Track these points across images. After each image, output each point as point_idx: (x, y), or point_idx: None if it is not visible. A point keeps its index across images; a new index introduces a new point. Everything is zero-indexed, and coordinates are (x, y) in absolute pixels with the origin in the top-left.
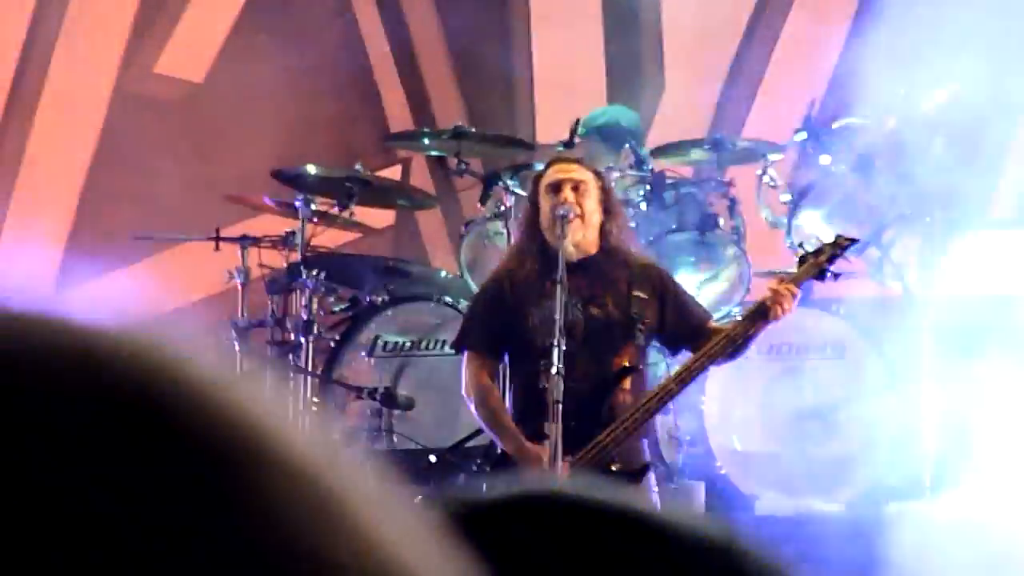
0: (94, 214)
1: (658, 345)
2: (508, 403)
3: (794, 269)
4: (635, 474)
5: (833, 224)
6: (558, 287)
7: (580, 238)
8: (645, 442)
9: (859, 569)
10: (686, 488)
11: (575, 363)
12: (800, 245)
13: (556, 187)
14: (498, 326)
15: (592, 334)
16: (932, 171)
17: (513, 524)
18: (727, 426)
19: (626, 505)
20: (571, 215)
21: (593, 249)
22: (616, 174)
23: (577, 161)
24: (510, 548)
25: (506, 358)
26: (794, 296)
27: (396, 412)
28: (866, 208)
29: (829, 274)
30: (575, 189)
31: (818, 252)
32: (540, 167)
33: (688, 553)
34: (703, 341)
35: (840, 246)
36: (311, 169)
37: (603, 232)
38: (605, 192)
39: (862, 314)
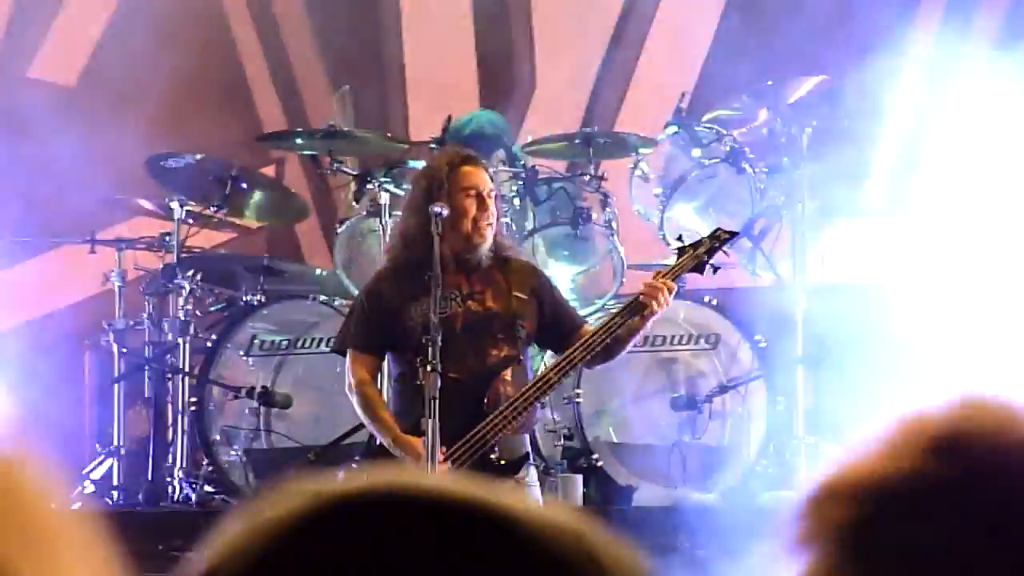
0: None
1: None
2: (390, 399)
3: (672, 261)
4: (514, 464)
5: (705, 216)
6: (432, 284)
7: (487, 241)
8: (526, 436)
9: (734, 559)
10: (564, 481)
11: (454, 356)
12: (679, 238)
13: (480, 194)
14: (377, 324)
15: (471, 326)
16: (802, 161)
17: (361, 517)
18: (603, 418)
19: (474, 498)
20: (491, 222)
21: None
22: (490, 169)
23: (483, 165)
24: (358, 541)
25: (388, 356)
26: (669, 291)
27: (274, 411)
28: (737, 199)
29: (708, 267)
30: (490, 195)
31: (697, 244)
32: (413, 164)
33: (537, 546)
34: (575, 343)
35: (719, 239)
36: (192, 158)
37: None
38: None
39: (734, 305)
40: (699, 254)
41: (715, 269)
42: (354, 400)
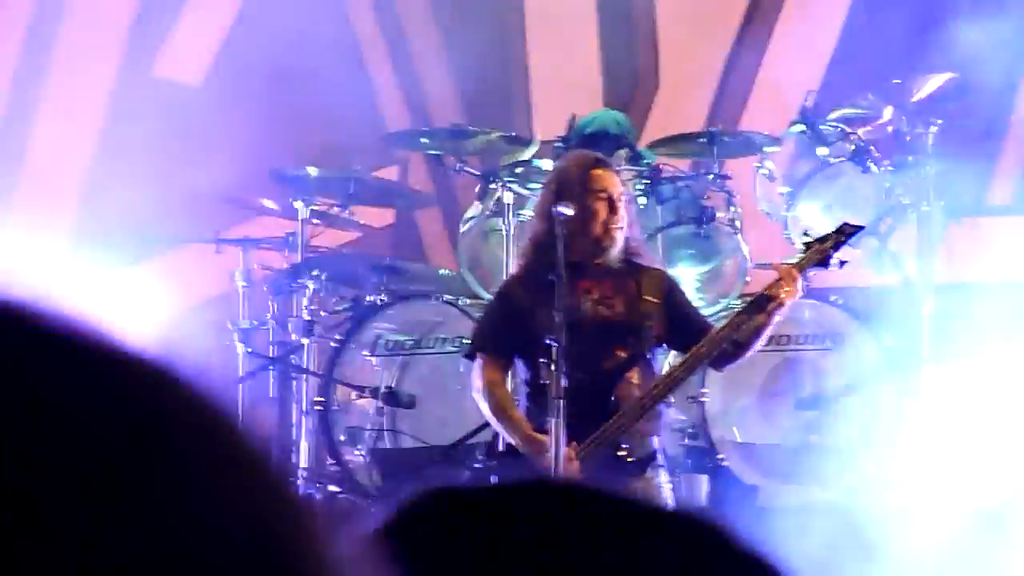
0: (94, 219)
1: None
2: (518, 404)
3: (797, 259)
4: (641, 463)
5: (831, 215)
6: (557, 283)
7: (618, 246)
8: (654, 437)
9: (859, 558)
10: (689, 480)
11: (582, 358)
12: (805, 233)
13: (611, 198)
14: (507, 328)
15: (600, 332)
16: (928, 159)
17: (494, 513)
18: (728, 418)
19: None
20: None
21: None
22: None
23: (615, 170)
24: (491, 537)
25: (518, 361)
26: (794, 281)
27: (399, 410)
28: (863, 198)
29: (834, 261)
30: (620, 199)
31: (823, 239)
32: (537, 164)
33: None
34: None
35: (845, 233)
36: (311, 171)
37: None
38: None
39: (860, 304)
40: (825, 248)
41: (842, 263)
42: (482, 401)
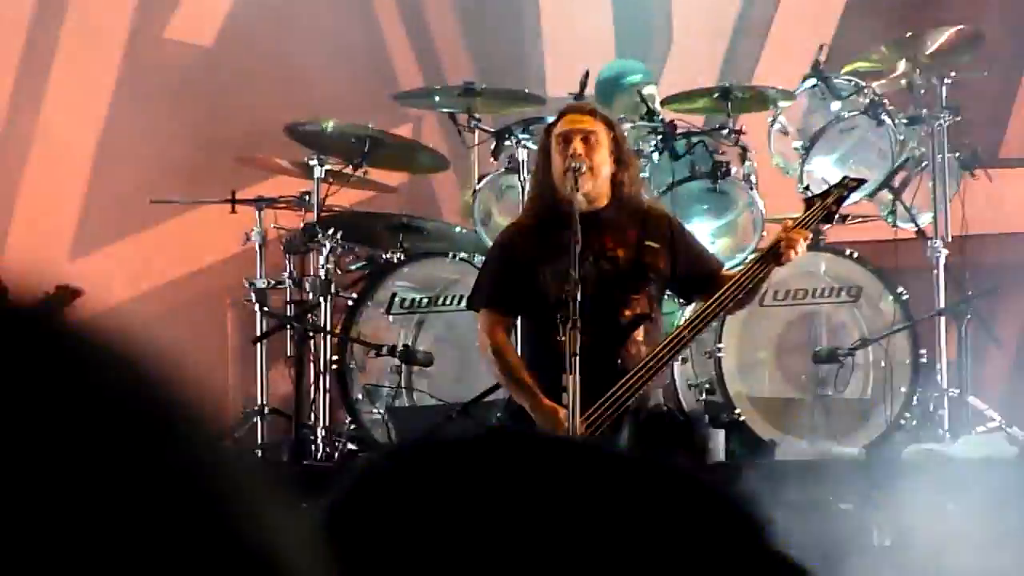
0: (108, 180)
1: (671, 294)
2: (523, 357)
3: (801, 216)
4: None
5: (845, 168)
6: (572, 241)
7: (590, 189)
8: (659, 390)
9: (878, 512)
10: (706, 435)
11: (588, 316)
12: (806, 188)
13: (566, 138)
14: (510, 282)
15: (604, 286)
16: (941, 112)
17: (477, 463)
18: (745, 373)
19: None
20: (583, 168)
21: (604, 200)
22: (627, 125)
23: (590, 111)
24: (471, 486)
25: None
26: (804, 239)
27: (416, 368)
28: (877, 152)
29: (837, 216)
30: (585, 140)
31: (825, 194)
32: (551, 119)
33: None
34: (714, 289)
35: (847, 187)
36: (328, 123)
37: (614, 182)
38: (617, 141)
39: (876, 257)
40: (827, 203)
41: (844, 218)
42: (490, 361)
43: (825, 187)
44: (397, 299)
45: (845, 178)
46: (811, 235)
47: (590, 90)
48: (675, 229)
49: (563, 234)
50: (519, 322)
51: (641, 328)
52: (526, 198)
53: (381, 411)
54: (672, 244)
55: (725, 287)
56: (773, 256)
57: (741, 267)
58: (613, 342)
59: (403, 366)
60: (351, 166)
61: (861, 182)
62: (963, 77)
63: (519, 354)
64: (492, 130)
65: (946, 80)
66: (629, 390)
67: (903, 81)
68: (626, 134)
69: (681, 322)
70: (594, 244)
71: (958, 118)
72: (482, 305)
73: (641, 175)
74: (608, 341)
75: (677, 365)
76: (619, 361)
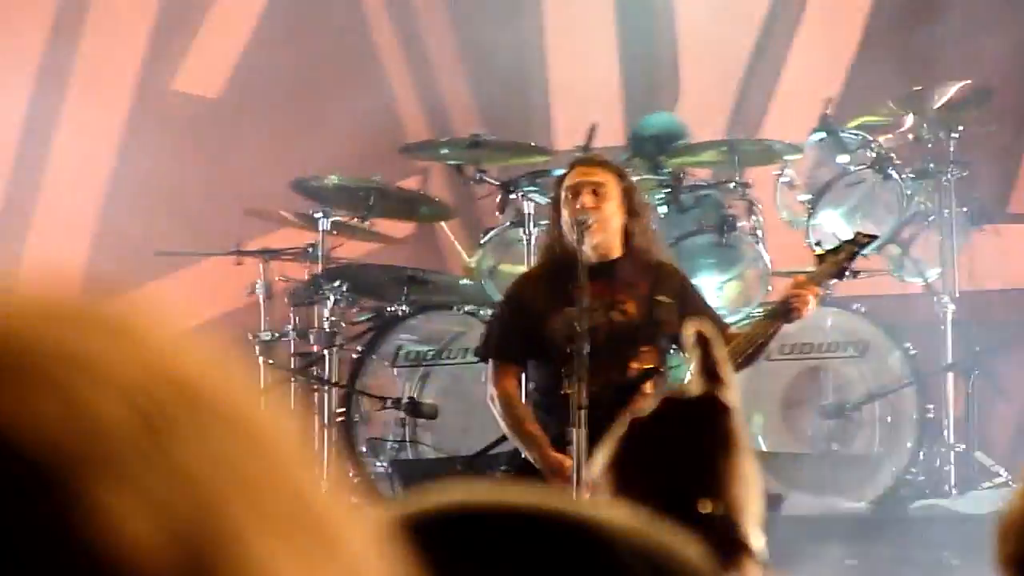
0: (114, 232)
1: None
2: (529, 408)
3: (813, 268)
4: None
5: (852, 222)
6: (580, 293)
7: (600, 241)
8: None
9: (885, 568)
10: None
11: (596, 368)
12: (818, 243)
13: (575, 191)
14: (520, 333)
15: (613, 339)
16: (949, 166)
17: (455, 534)
18: (751, 427)
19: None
20: (589, 221)
21: (616, 252)
22: (634, 178)
23: (601, 163)
24: (450, 557)
25: (529, 367)
26: (814, 296)
27: (421, 421)
28: (885, 205)
29: (848, 272)
30: (594, 192)
31: (836, 250)
32: (559, 173)
33: (622, 558)
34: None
35: (859, 243)
36: (333, 179)
37: (626, 234)
38: (628, 193)
39: (883, 312)
40: (839, 259)
41: (855, 274)
42: (497, 411)
43: (836, 242)
44: (402, 352)
45: (857, 234)
46: (822, 291)
47: (602, 141)
48: (685, 285)
49: (573, 285)
50: (529, 372)
51: (650, 381)
52: (539, 249)
53: (385, 464)
54: (682, 300)
55: (734, 343)
56: (783, 313)
57: (750, 323)
58: (621, 395)
59: (408, 419)
60: (357, 218)
61: (873, 238)
62: (971, 131)
63: (527, 404)
64: (498, 182)
65: (953, 134)
66: None
67: (910, 135)
68: None
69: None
70: (604, 296)
71: (966, 172)
72: (491, 355)
73: (653, 226)
74: (616, 394)
75: None
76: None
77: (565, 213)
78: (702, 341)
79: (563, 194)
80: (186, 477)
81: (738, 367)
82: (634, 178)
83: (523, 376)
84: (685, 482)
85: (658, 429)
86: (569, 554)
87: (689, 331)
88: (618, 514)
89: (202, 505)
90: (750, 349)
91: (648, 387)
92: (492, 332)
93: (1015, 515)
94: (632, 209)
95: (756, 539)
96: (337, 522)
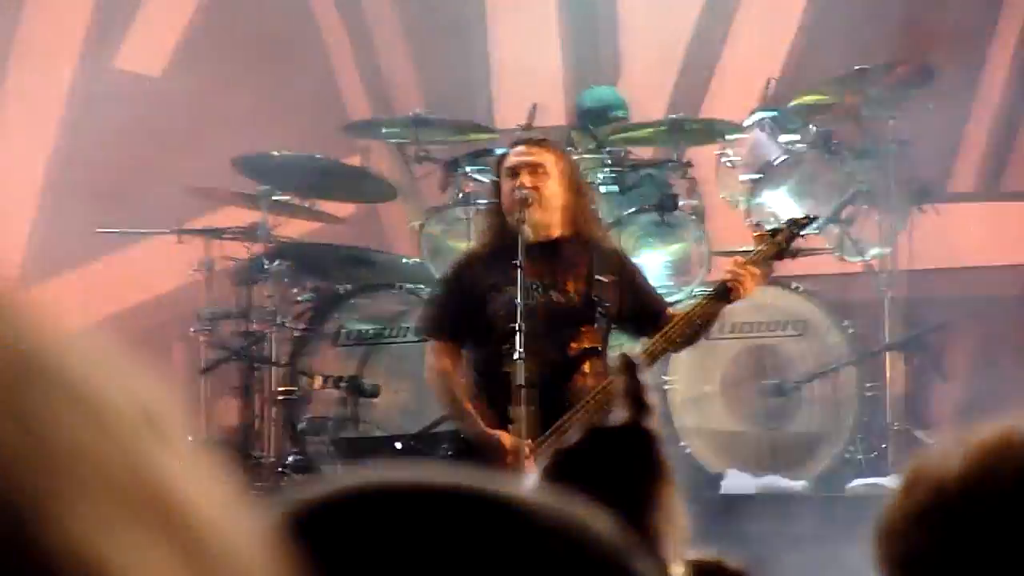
0: (55, 211)
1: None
2: (471, 388)
3: (752, 252)
4: None
5: (794, 202)
6: (518, 272)
7: (539, 218)
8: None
9: (823, 546)
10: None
11: (536, 347)
12: (757, 225)
13: (514, 170)
14: (460, 311)
15: (552, 318)
16: (891, 146)
17: (345, 521)
18: (691, 405)
19: (465, 490)
20: (529, 199)
21: (556, 231)
22: (576, 158)
23: (540, 142)
24: (343, 545)
25: (469, 345)
26: (755, 276)
27: (362, 400)
28: (826, 185)
29: (787, 254)
30: (533, 172)
31: (775, 232)
32: (500, 152)
33: (533, 536)
34: (661, 327)
35: (799, 224)
36: (274, 155)
37: (567, 213)
38: (569, 172)
39: (825, 291)
40: (778, 241)
41: (794, 255)
42: (435, 388)
43: (776, 224)
44: (345, 331)
45: (796, 216)
46: (762, 272)
47: (543, 120)
48: (626, 265)
49: (512, 264)
50: (469, 351)
51: (589, 361)
52: (480, 228)
53: (327, 442)
54: (622, 280)
55: (674, 323)
56: (724, 293)
57: (691, 304)
58: (561, 375)
59: (350, 397)
60: (299, 197)
61: (812, 220)
62: (912, 111)
63: (469, 383)
64: (441, 161)
65: (895, 114)
66: (576, 421)
67: (852, 115)
68: None
69: None
70: (544, 275)
71: (907, 152)
72: (430, 333)
73: (594, 206)
74: (556, 373)
75: None
76: (567, 393)
77: (505, 190)
78: (628, 366)
79: (503, 173)
80: (9, 433)
81: (679, 347)
82: (576, 157)
83: (464, 354)
84: (610, 512)
85: (583, 459)
86: (480, 530)
87: (615, 355)
88: (530, 492)
89: (21, 459)
90: (691, 330)
91: (587, 367)
92: (432, 310)
93: (894, 515)
94: (573, 188)
95: (675, 569)
96: (188, 495)
